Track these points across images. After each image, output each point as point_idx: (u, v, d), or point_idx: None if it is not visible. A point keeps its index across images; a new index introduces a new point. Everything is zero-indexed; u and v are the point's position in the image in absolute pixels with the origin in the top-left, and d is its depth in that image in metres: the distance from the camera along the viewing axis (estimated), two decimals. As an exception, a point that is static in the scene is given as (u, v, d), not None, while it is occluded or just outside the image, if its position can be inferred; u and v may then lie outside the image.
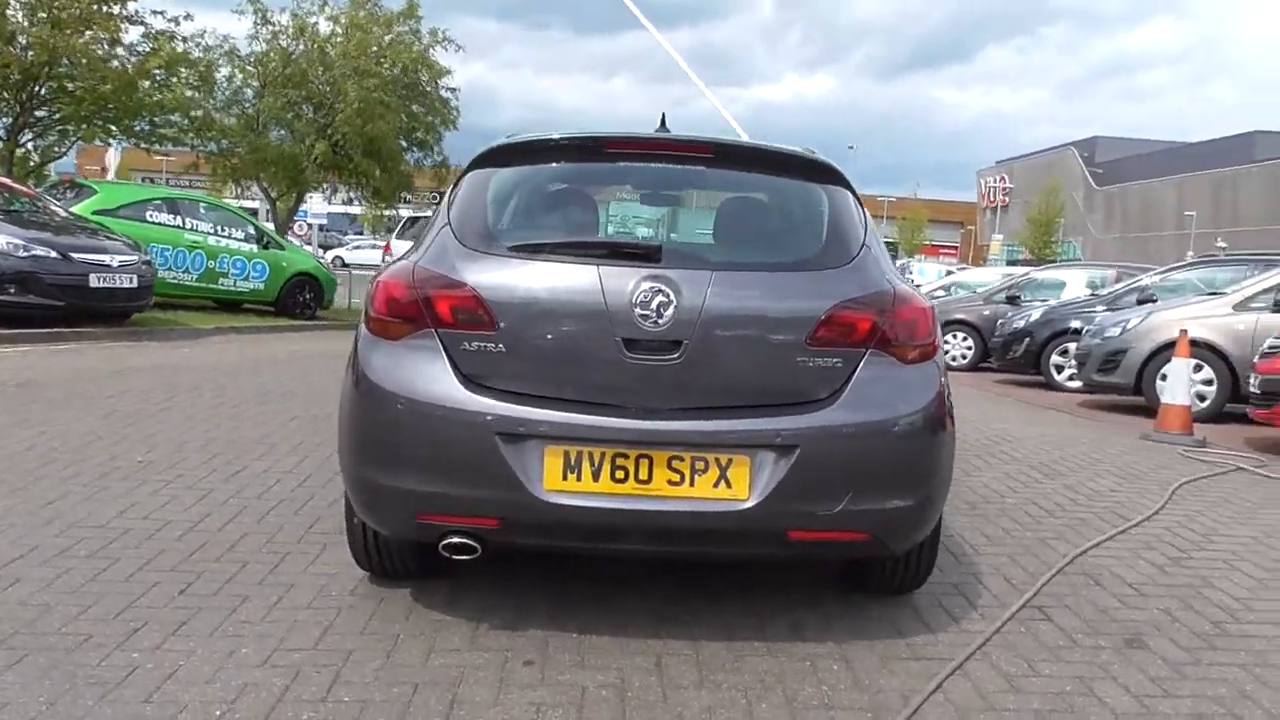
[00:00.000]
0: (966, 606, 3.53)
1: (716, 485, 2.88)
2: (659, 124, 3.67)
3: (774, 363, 2.98)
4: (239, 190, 23.03)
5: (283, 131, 20.74)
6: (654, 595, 3.45)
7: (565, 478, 2.87)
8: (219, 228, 14.33)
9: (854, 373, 2.99)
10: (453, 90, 21.08)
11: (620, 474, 2.88)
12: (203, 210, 14.50)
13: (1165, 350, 8.66)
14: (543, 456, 2.87)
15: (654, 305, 2.90)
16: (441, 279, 3.02)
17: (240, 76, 20.43)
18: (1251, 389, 7.68)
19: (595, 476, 2.87)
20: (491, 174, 3.34)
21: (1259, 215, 50.47)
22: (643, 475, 2.87)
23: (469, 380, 2.94)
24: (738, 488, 2.87)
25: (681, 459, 2.88)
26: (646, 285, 2.91)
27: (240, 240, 14.54)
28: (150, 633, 2.96)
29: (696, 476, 2.88)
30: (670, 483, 2.87)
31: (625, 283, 2.93)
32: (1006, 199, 74.46)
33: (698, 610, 3.34)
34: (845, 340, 2.99)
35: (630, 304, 2.90)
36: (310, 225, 22.59)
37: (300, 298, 15.40)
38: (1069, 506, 5.15)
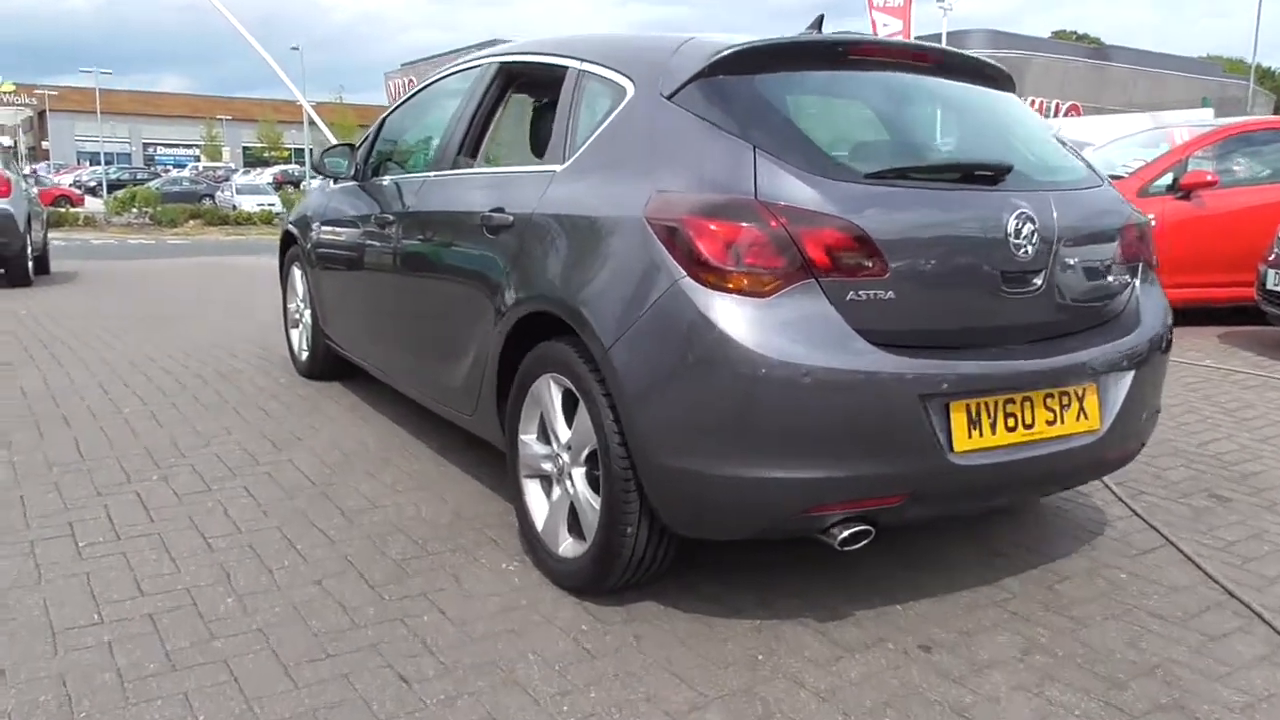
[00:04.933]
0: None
1: (1078, 418, 2.75)
2: (815, 23, 3.20)
3: (1098, 283, 2.89)
4: None
5: None
6: (820, 573, 3.22)
7: (970, 435, 2.54)
8: None
9: (1136, 287, 3.01)
10: None
11: (1011, 421, 2.62)
12: None
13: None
14: (948, 414, 2.50)
15: (1025, 232, 2.63)
16: (810, 214, 2.41)
17: None
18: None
19: (993, 428, 2.59)
20: (751, 82, 2.67)
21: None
22: (1027, 419, 2.65)
23: (865, 337, 2.42)
24: (1092, 418, 2.78)
25: (1052, 395, 2.70)
26: (1019, 211, 2.62)
27: None
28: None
29: (1064, 412, 2.73)
30: (1047, 423, 2.69)
31: (999, 209, 2.62)
32: (418, 100, 75.28)
33: (877, 578, 3.19)
34: (1132, 256, 2.99)
35: (1006, 233, 2.61)
36: None
37: None
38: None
